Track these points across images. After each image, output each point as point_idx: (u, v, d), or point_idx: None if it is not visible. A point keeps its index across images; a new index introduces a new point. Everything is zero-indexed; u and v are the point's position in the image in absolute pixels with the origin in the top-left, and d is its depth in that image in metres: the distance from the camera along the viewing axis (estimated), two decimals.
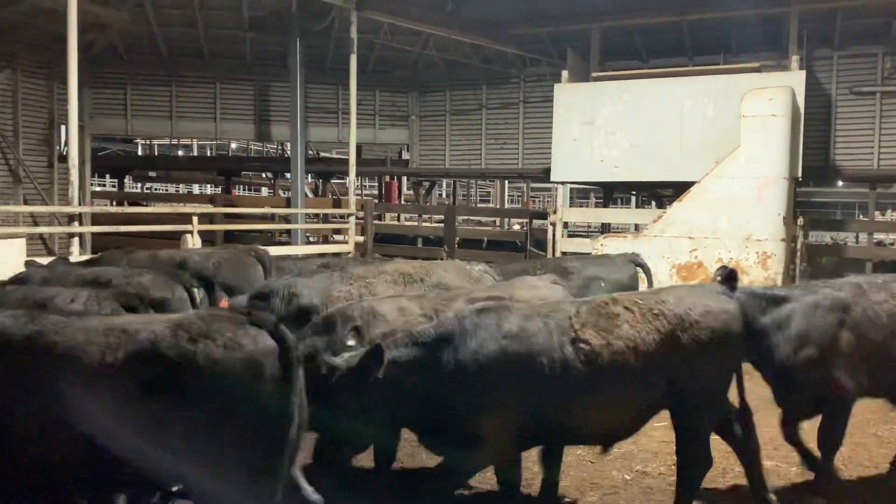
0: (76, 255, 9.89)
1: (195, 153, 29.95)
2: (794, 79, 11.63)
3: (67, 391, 3.31)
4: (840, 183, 19.55)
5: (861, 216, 24.02)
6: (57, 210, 13.91)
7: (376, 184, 25.86)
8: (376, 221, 15.65)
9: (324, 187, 23.40)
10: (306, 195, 18.18)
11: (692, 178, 11.15)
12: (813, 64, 14.73)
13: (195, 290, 5.71)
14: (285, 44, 15.98)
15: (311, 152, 22.60)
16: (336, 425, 4.02)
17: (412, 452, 5.37)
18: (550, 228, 12.87)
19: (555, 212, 13.04)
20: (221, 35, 17.68)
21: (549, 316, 4.09)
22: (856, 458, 5.84)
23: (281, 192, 23.39)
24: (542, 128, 16.92)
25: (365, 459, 5.10)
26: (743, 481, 5.36)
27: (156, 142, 28.68)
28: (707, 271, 10.54)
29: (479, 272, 6.32)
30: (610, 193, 17.59)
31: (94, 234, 12.75)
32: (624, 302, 4.21)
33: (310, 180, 23.57)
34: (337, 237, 16.78)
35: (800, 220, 11.31)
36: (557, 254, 12.62)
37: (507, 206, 28.29)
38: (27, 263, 7.04)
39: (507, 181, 26.02)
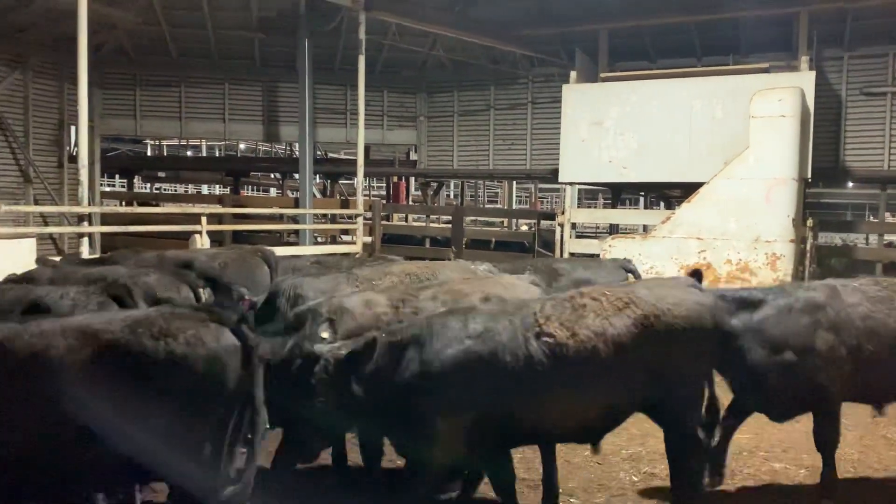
0: (86, 255, 9.93)
1: (204, 153, 30.06)
2: (804, 79, 11.57)
3: (32, 395, 3.36)
4: (850, 184, 19.43)
5: (871, 217, 23.90)
6: (67, 210, 13.98)
7: (384, 184, 25.88)
8: (384, 222, 15.66)
9: (332, 188, 23.44)
10: (314, 196, 18.20)
11: (701, 179, 11.11)
12: (823, 64, 14.66)
13: (201, 289, 5.73)
14: (294, 45, 15.99)
15: (319, 153, 22.66)
16: (304, 420, 4.01)
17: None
18: (558, 229, 12.84)
19: (563, 212, 13.01)
20: (230, 36, 17.73)
21: (513, 313, 4.00)
22: (865, 461, 5.81)
23: (289, 192, 23.43)
24: (550, 128, 16.90)
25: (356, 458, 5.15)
26: (752, 483, 5.35)
27: (165, 142, 28.79)
28: (715, 273, 10.51)
29: (483, 272, 6.32)
30: (618, 194, 17.57)
31: (103, 234, 12.79)
32: (591, 294, 4.13)
33: (318, 181, 23.62)
34: (345, 237, 16.80)
35: (809, 222, 11.25)
36: (566, 255, 12.59)
37: (515, 206, 28.25)
38: (39, 261, 7.09)
39: (515, 182, 25.95)
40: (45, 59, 15.46)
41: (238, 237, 15.44)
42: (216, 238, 12.90)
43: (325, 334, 4.27)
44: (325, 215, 17.23)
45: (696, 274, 4.80)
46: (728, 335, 4.68)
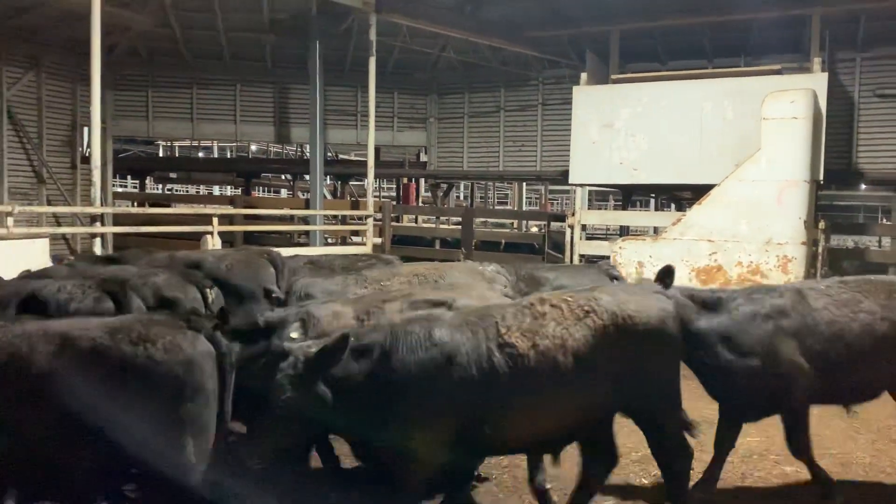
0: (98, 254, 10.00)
1: (215, 155, 30.21)
2: (817, 81, 11.49)
3: (12, 397, 3.53)
4: (863, 186, 19.28)
5: (884, 220, 23.70)
6: (79, 210, 14.09)
7: (394, 186, 25.90)
8: (394, 223, 15.68)
9: (342, 189, 23.50)
10: (325, 197, 18.26)
11: (712, 180, 11.06)
12: (835, 66, 14.57)
13: (208, 290, 5.78)
14: (305, 46, 16.06)
15: (329, 154, 22.72)
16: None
17: None
18: (568, 231, 12.81)
19: (573, 214, 12.98)
20: (242, 38, 17.82)
21: (477, 322, 3.92)
22: (877, 465, 5.76)
23: (300, 193, 23.50)
24: (560, 130, 16.88)
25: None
26: (762, 484, 5.32)
27: (177, 143, 28.95)
28: (726, 275, 10.45)
29: (491, 272, 6.32)
30: (629, 196, 17.50)
31: (115, 235, 12.88)
32: (551, 300, 4.08)
33: (328, 182, 23.68)
34: (355, 239, 16.83)
35: (821, 224, 11.17)
36: (576, 257, 12.57)
37: (525, 208, 28.22)
38: (55, 259, 7.19)
39: (525, 183, 25.96)
40: (59, 60, 15.59)
41: (249, 238, 15.51)
42: (227, 239, 12.96)
43: (294, 334, 4.27)
44: (335, 216, 17.29)
45: (667, 270, 4.79)
46: (694, 336, 4.69)
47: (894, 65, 14.78)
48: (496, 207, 29.81)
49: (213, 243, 11.16)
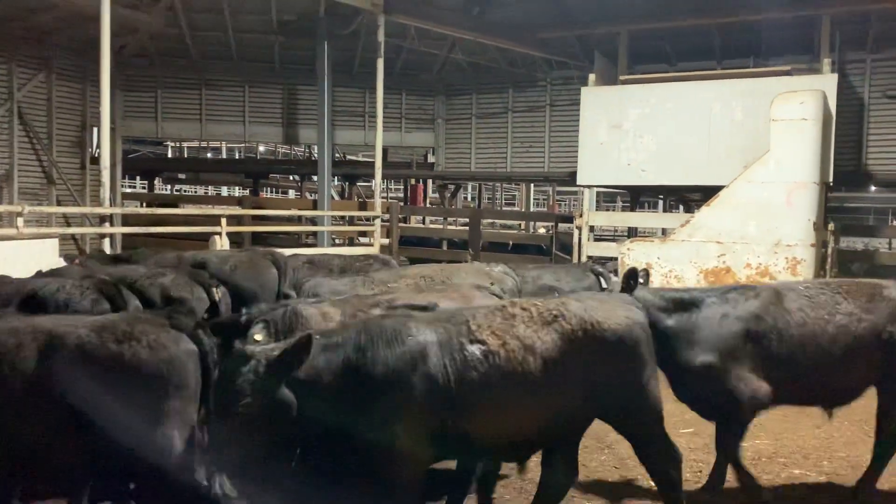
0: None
1: (224, 155, 30.28)
2: (826, 82, 11.44)
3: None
4: (873, 188, 19.20)
5: (894, 222, 23.58)
6: (89, 211, 14.13)
7: (402, 186, 25.94)
8: (401, 224, 15.69)
9: (350, 190, 23.53)
10: (332, 197, 18.28)
11: (721, 182, 11.02)
12: (845, 67, 14.50)
13: (214, 290, 5.81)
14: (313, 47, 16.09)
15: (337, 155, 22.74)
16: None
17: None
18: (576, 232, 12.79)
19: (581, 215, 12.96)
20: (250, 39, 17.87)
21: (447, 322, 3.90)
22: (891, 468, 5.71)
23: (308, 194, 23.56)
24: (568, 131, 16.84)
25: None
26: (768, 485, 5.29)
27: (185, 144, 29.05)
28: (735, 277, 10.41)
29: (498, 273, 6.32)
30: (637, 197, 17.45)
31: (124, 235, 12.93)
32: (522, 304, 4.07)
33: (336, 183, 23.71)
34: (362, 239, 16.85)
35: (831, 226, 11.12)
36: (583, 258, 12.55)
37: (532, 209, 28.19)
38: (66, 258, 7.22)
39: (532, 184, 25.94)
40: (69, 61, 15.66)
41: (257, 238, 15.54)
42: (235, 239, 12.99)
43: (258, 336, 4.21)
44: (343, 217, 17.31)
45: (633, 275, 4.79)
46: (663, 335, 4.67)
47: None
48: (504, 209, 29.80)
49: (222, 244, 11.19)
